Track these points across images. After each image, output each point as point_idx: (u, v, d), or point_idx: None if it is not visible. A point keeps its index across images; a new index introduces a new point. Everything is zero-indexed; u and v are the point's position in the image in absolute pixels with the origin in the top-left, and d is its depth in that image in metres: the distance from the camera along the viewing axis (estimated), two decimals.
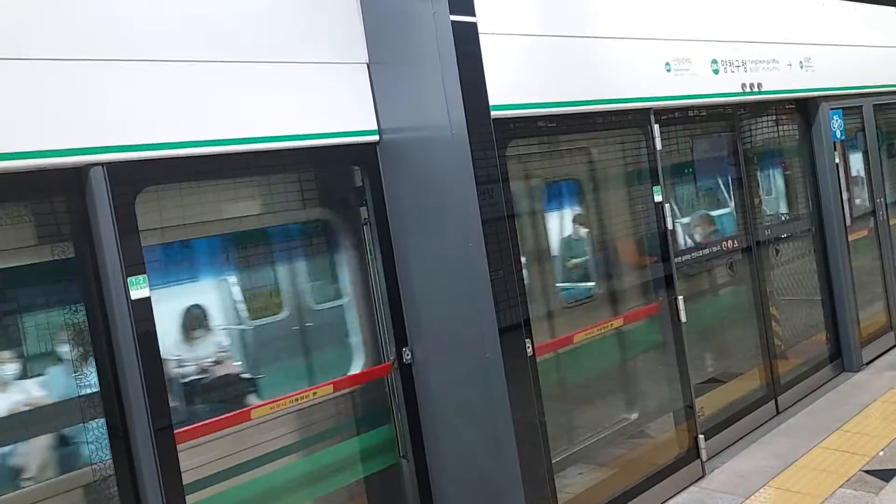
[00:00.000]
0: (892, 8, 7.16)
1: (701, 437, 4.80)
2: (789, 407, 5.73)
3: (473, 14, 3.56)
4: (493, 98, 3.61)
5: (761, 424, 5.44)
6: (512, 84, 3.79)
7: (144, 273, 2.93)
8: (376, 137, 3.78)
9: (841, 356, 6.39)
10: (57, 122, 2.77)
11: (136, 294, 2.90)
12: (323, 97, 3.60)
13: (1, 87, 2.66)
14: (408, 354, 3.86)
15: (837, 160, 6.30)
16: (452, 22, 3.44)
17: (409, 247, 3.82)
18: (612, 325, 4.65)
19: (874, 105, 6.88)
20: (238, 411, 3.37)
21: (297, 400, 3.49)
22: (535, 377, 3.71)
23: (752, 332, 5.66)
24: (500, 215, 3.58)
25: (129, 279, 2.88)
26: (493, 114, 3.60)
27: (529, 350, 3.68)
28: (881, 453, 4.71)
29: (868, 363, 6.47)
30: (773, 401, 5.67)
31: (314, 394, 3.57)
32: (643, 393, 5.05)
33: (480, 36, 3.57)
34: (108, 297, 2.90)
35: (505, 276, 3.57)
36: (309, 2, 3.61)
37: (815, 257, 6.34)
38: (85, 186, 2.88)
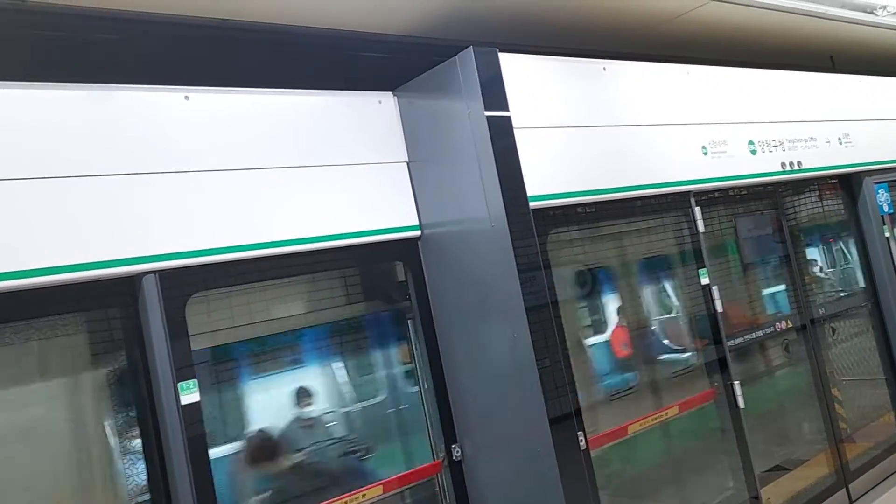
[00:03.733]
0: None
1: None
2: (863, 495, 5.37)
3: (507, 109, 3.66)
4: (532, 189, 3.65)
5: None
6: (549, 175, 3.84)
7: (194, 378, 2.97)
8: (418, 232, 3.85)
9: None
10: (111, 234, 2.89)
11: (185, 399, 2.93)
12: (367, 196, 3.70)
13: (58, 203, 2.79)
14: (457, 451, 3.78)
15: (888, 234, 6.16)
16: (487, 118, 3.55)
17: (453, 340, 3.80)
18: (666, 413, 4.49)
19: None
20: None
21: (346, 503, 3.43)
22: (591, 471, 3.58)
23: (815, 414, 5.41)
24: (543, 302, 3.56)
25: (179, 384, 2.92)
26: (532, 204, 3.64)
27: (583, 443, 3.57)
28: None
29: None
30: (845, 489, 5.34)
31: (363, 496, 3.49)
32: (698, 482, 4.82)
33: (516, 131, 3.65)
34: (158, 402, 2.93)
35: (552, 364, 3.51)
36: (351, 106, 3.76)
37: (873, 335, 6.11)
38: (137, 294, 2.97)
